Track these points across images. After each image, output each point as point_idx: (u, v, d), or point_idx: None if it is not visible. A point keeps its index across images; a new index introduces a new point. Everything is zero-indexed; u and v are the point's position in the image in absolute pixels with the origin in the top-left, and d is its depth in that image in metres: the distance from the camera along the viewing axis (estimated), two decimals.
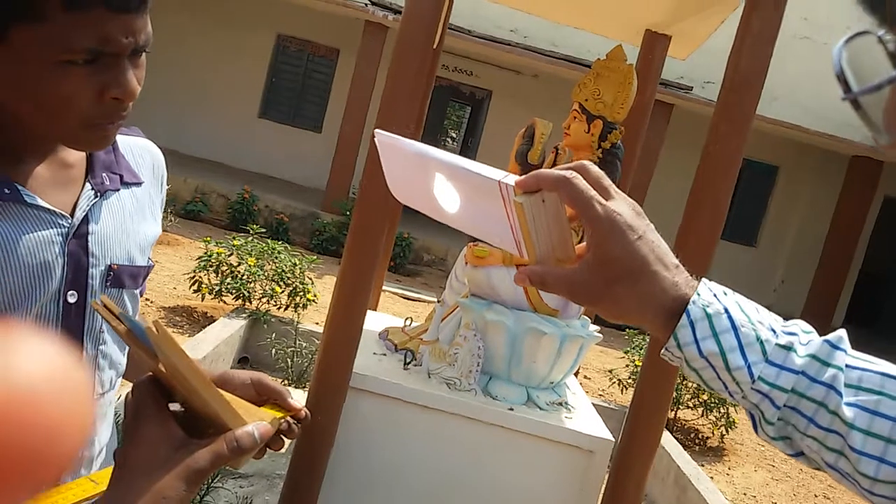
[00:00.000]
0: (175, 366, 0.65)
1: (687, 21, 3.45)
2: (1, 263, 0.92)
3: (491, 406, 2.94)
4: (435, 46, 2.82)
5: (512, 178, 0.67)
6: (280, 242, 6.06)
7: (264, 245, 5.80)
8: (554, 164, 3.01)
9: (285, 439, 0.83)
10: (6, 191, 0.92)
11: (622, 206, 0.67)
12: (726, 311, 0.67)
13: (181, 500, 0.63)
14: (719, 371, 0.66)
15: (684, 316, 0.66)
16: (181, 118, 11.93)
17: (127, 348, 1.13)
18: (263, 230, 6.47)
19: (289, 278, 5.60)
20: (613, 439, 3.01)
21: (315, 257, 6.31)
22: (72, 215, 0.99)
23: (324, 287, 6.82)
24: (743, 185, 12.62)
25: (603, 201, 0.66)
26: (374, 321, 3.71)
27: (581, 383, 3.95)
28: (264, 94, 12.94)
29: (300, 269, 5.72)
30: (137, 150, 1.14)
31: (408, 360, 3.17)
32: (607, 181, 0.69)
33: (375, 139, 0.80)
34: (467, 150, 15.66)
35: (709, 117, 2.84)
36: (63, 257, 0.97)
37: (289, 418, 0.83)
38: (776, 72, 3.01)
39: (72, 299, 0.99)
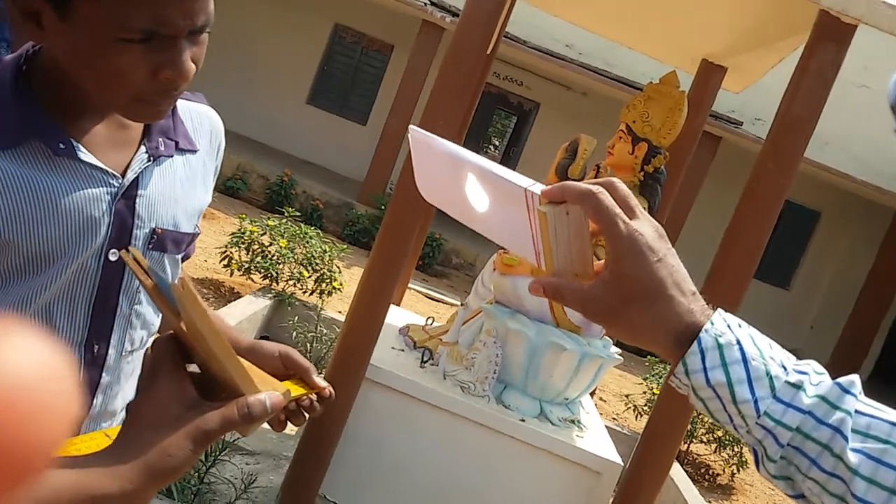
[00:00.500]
0: (196, 325, 0.65)
1: (745, 55, 3.42)
2: (46, 214, 0.94)
3: (503, 415, 2.94)
4: (489, 52, 2.83)
5: (538, 187, 0.67)
6: (313, 228, 6.10)
7: (297, 229, 5.85)
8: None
9: (307, 415, 0.83)
10: (61, 145, 0.94)
11: (646, 226, 0.67)
12: (738, 342, 0.66)
13: (186, 459, 0.64)
14: (725, 403, 0.66)
15: (695, 343, 0.66)
16: (231, 95, 12.06)
17: None
18: (298, 214, 6.52)
19: (317, 264, 5.64)
20: (622, 463, 2.99)
21: (345, 246, 6.35)
22: (123, 176, 1.01)
23: (350, 277, 6.86)
24: (782, 226, 12.45)
25: (627, 220, 0.66)
26: (396, 316, 3.72)
27: (596, 404, 3.93)
28: (315, 81, 13.04)
29: (329, 256, 5.75)
30: (197, 117, 1.15)
31: (425, 359, 3.18)
32: (633, 201, 0.68)
33: (409, 135, 0.80)
34: (509, 159, 15.65)
35: (756, 154, 2.82)
36: (109, 216, 0.99)
37: (312, 396, 0.84)
38: (829, 117, 2.98)
39: (112, 258, 1.01)
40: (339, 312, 5.73)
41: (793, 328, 13.36)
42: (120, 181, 1.00)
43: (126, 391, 1.14)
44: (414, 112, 10.42)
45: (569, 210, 0.67)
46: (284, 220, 5.99)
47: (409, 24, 11.31)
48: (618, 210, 0.66)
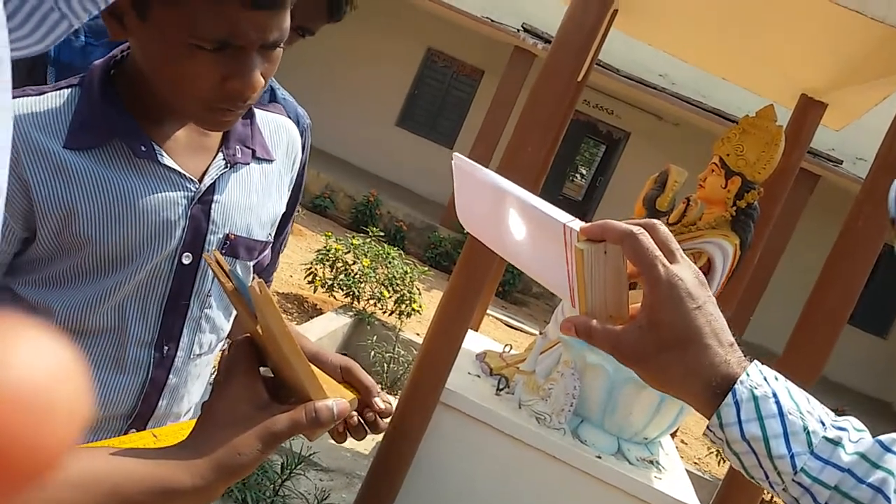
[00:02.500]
0: (271, 329, 0.67)
1: (847, 91, 3.30)
2: (125, 215, 0.98)
3: (578, 450, 2.87)
4: (580, 79, 2.81)
5: (578, 224, 0.65)
6: (395, 249, 6.17)
7: (380, 249, 5.92)
8: (683, 216, 2.93)
9: (368, 431, 0.83)
10: (142, 148, 0.98)
11: (686, 271, 0.65)
12: (774, 395, 0.63)
13: (255, 458, 0.65)
14: (761, 458, 0.63)
15: (730, 395, 0.63)
16: (323, 114, 12.35)
17: (232, 315, 1.17)
18: (382, 234, 6.60)
19: (398, 285, 5.69)
20: None
21: (427, 269, 6.38)
22: (200, 181, 1.03)
23: (430, 300, 6.89)
24: (881, 271, 11.86)
25: (667, 263, 0.64)
26: (473, 341, 3.70)
27: (676, 446, 3.81)
28: (405, 104, 13.25)
29: (410, 277, 5.80)
30: (275, 128, 1.17)
31: (500, 387, 3.15)
32: (674, 244, 0.66)
33: (453, 162, 0.79)
34: (595, 188, 15.50)
35: (855, 195, 2.70)
36: (185, 220, 1.02)
37: (369, 414, 0.84)
38: None
39: (186, 261, 1.04)
40: (417, 335, 5.75)
41: (889, 380, 12.69)
42: (197, 186, 1.03)
43: (192, 394, 1.16)
44: (501, 137, 10.44)
45: (607, 249, 0.65)
46: (368, 240, 6.07)
47: (500, 50, 11.38)
48: (658, 252, 0.64)
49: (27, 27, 0.38)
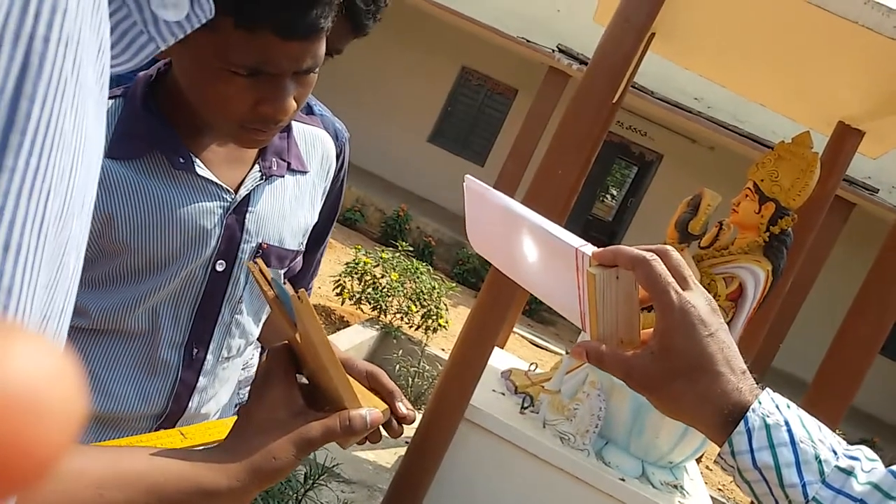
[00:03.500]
0: (311, 338, 0.68)
1: (886, 119, 3.27)
2: (162, 223, 1.01)
3: (602, 472, 2.86)
4: (614, 101, 2.82)
5: (590, 249, 0.65)
6: (424, 264, 6.19)
7: (409, 263, 5.94)
8: (715, 240, 2.92)
9: (384, 433, 0.84)
10: (181, 160, 1.01)
11: (698, 298, 0.65)
12: (787, 423, 0.63)
13: (289, 463, 0.67)
14: (772, 486, 0.62)
15: (742, 423, 0.63)
16: (356, 128, 12.38)
17: (261, 321, 1.19)
18: (411, 249, 6.63)
19: (425, 300, 5.70)
20: None
21: (454, 285, 6.39)
22: (236, 192, 1.06)
23: (456, 316, 6.89)
24: None
25: (679, 290, 0.64)
26: (499, 359, 3.70)
27: (701, 472, 3.77)
28: (438, 121, 13.32)
29: (438, 293, 5.81)
30: (311, 140, 1.20)
31: (525, 405, 3.15)
32: (687, 270, 0.66)
33: (465, 185, 0.79)
34: (626, 210, 15.42)
35: (891, 224, 2.67)
36: (220, 228, 1.05)
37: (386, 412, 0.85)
38: None
39: (220, 268, 1.07)
40: (443, 350, 5.75)
41: None
42: (233, 196, 1.05)
43: (220, 396, 1.19)
44: (532, 156, 10.44)
45: (619, 274, 0.65)
46: (397, 254, 6.10)
47: (534, 70, 11.40)
48: (670, 279, 0.64)
49: (118, 47, 0.40)
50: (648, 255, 0.65)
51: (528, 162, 10.55)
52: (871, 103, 3.22)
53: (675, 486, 2.97)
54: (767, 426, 0.63)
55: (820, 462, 0.62)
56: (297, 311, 0.68)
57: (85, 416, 0.21)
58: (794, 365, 11.71)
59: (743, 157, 10.54)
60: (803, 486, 0.61)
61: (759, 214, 2.85)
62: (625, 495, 2.83)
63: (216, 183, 1.04)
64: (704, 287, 2.98)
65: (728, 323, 2.87)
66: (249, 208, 1.07)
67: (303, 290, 0.67)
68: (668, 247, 0.67)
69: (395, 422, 0.84)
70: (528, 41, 10.62)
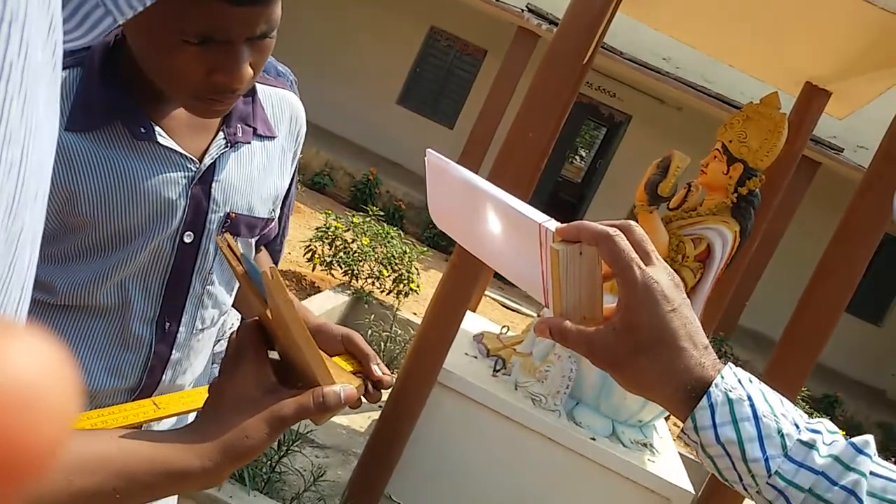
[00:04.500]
0: (282, 314, 0.67)
1: (852, 80, 3.29)
2: (125, 196, 0.98)
3: (573, 432, 2.89)
4: (584, 62, 2.80)
5: (553, 224, 0.65)
6: (394, 228, 6.16)
7: (380, 228, 5.92)
8: (684, 201, 2.93)
9: (364, 400, 0.84)
10: (142, 130, 0.98)
11: (661, 274, 0.64)
12: (749, 398, 0.63)
13: (262, 441, 0.66)
14: (735, 461, 0.63)
15: (704, 398, 0.63)
16: (323, 91, 12.30)
17: (234, 290, 1.18)
18: (381, 213, 6.59)
19: (397, 264, 5.69)
20: (694, 492, 2.91)
21: (425, 249, 6.38)
22: (200, 160, 1.03)
23: (427, 280, 6.90)
24: (879, 260, 11.85)
25: (642, 266, 0.63)
26: (471, 323, 3.72)
27: (671, 430, 3.84)
28: (406, 83, 13.18)
29: (409, 257, 5.80)
30: (278, 102, 1.17)
31: (497, 368, 3.17)
32: (650, 245, 0.66)
33: (426, 159, 0.78)
34: (595, 171, 15.47)
35: (856, 183, 2.70)
36: (185, 199, 1.02)
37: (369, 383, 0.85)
38: None
39: (188, 239, 1.05)
40: (415, 314, 5.76)
41: (881, 367, 12.77)
42: (197, 165, 1.03)
43: (195, 367, 1.18)
44: (503, 117, 10.40)
45: (582, 250, 0.65)
46: (368, 219, 6.07)
47: (503, 30, 11.31)
48: (634, 254, 0.64)
49: (73, 22, 0.38)
50: (612, 230, 0.64)
51: (498, 124, 10.52)
52: (838, 64, 3.24)
53: (645, 445, 3.02)
54: (730, 401, 0.63)
55: (782, 436, 0.62)
56: (267, 287, 0.67)
57: (80, 410, 0.21)
58: (761, 322, 11.94)
59: (711, 117, 10.59)
60: (766, 460, 0.62)
61: (728, 175, 2.87)
62: (596, 454, 2.87)
63: (179, 152, 1.01)
64: (673, 248, 2.99)
65: (696, 283, 2.91)
66: (215, 177, 1.05)
67: (272, 266, 0.65)
68: (632, 222, 0.67)
69: (371, 386, 0.84)
70: (496, 0, 10.50)
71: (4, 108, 0.26)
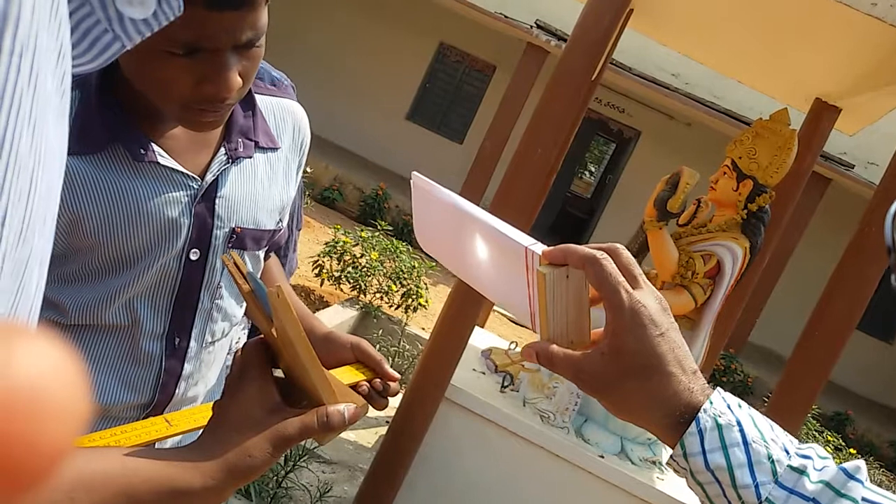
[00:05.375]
0: (287, 333, 0.67)
1: (862, 97, 3.28)
2: (129, 218, 0.98)
3: (582, 449, 2.87)
4: (593, 78, 2.80)
5: (540, 248, 0.64)
6: (403, 243, 6.17)
7: (388, 242, 5.92)
8: (693, 217, 2.92)
9: (371, 407, 0.83)
10: (141, 151, 0.97)
11: (649, 298, 0.64)
12: (739, 423, 0.62)
13: (265, 461, 0.66)
14: (725, 487, 0.62)
15: (693, 424, 0.62)
16: (333, 107, 12.36)
17: (245, 302, 1.18)
18: (390, 228, 6.60)
19: (405, 279, 5.69)
20: None
21: (434, 264, 6.38)
22: (202, 178, 1.03)
23: (436, 295, 6.89)
24: (887, 276, 11.79)
25: (630, 289, 0.63)
26: (479, 338, 3.70)
27: None
28: (416, 98, 13.23)
29: (418, 272, 5.80)
30: (280, 112, 1.16)
31: (505, 384, 3.15)
32: (637, 269, 0.65)
33: (412, 182, 0.77)
34: (604, 186, 15.46)
35: (867, 199, 2.69)
36: (189, 218, 1.02)
37: (375, 383, 0.85)
38: None
39: (194, 257, 1.05)
40: (423, 329, 5.76)
41: (892, 385, 12.66)
42: (199, 183, 1.02)
43: (208, 378, 1.17)
44: (512, 132, 10.42)
45: (569, 274, 0.64)
46: (377, 233, 6.07)
47: (513, 46, 11.35)
48: (621, 278, 0.63)
49: (81, 47, 0.38)
50: (599, 253, 0.64)
51: (507, 139, 10.53)
52: (848, 80, 3.23)
53: (654, 462, 3.00)
54: (719, 426, 0.62)
55: (773, 462, 0.62)
56: (273, 306, 0.66)
57: (87, 414, 0.21)
58: (771, 339, 11.86)
59: (720, 133, 10.58)
60: (756, 486, 0.61)
61: (737, 192, 2.86)
62: (604, 472, 2.85)
63: (180, 171, 1.00)
64: (683, 265, 2.97)
65: (706, 300, 2.89)
66: (218, 193, 1.04)
67: (279, 285, 0.65)
68: (619, 245, 0.67)
69: (378, 393, 0.84)
70: (505, 17, 10.55)
71: (15, 138, 0.27)
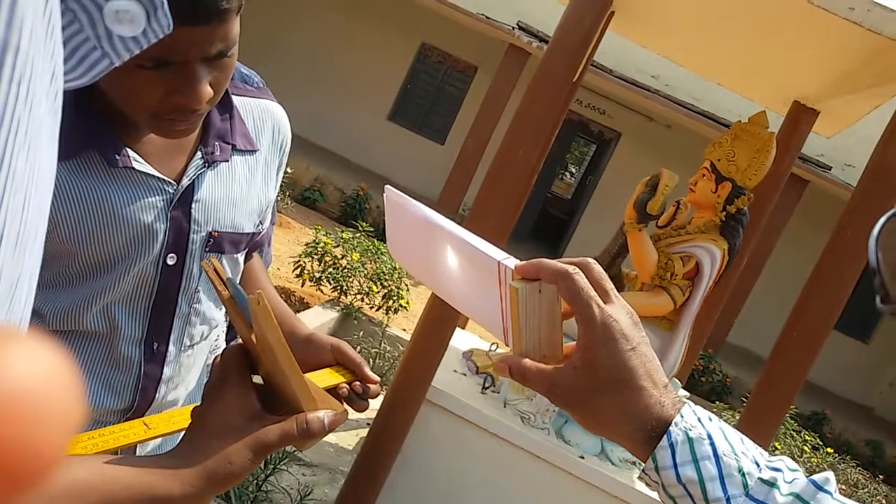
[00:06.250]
0: (267, 340, 0.66)
1: (840, 99, 3.31)
2: (104, 224, 0.97)
3: (562, 450, 2.88)
4: (574, 80, 2.81)
5: (512, 262, 0.65)
6: (384, 244, 6.16)
7: (370, 244, 5.91)
8: (673, 219, 2.94)
9: (350, 409, 0.83)
10: (116, 156, 0.96)
11: (620, 312, 0.64)
12: (709, 437, 0.63)
13: (245, 467, 0.66)
14: (697, 500, 0.62)
15: (665, 437, 0.63)
16: (315, 107, 12.32)
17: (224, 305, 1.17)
18: (371, 229, 6.59)
19: (386, 280, 5.68)
20: None
21: None
22: (178, 182, 1.02)
23: (417, 296, 6.88)
24: (868, 278, 11.92)
25: (601, 304, 0.63)
26: (460, 340, 3.70)
27: None
28: (397, 98, 13.22)
29: (399, 273, 5.79)
30: (259, 113, 1.15)
31: (486, 385, 3.15)
32: (608, 284, 0.66)
33: (385, 195, 0.78)
34: (585, 187, 15.53)
35: (844, 201, 2.71)
36: (165, 223, 1.01)
37: (355, 385, 0.85)
38: None
39: (171, 262, 1.04)
40: (404, 330, 5.75)
41: (869, 385, 12.81)
42: (175, 188, 1.02)
43: (188, 381, 1.17)
44: (493, 133, 10.44)
45: (542, 288, 0.64)
46: (358, 234, 6.06)
47: (494, 47, 11.37)
48: (593, 293, 0.64)
49: (70, 63, 0.38)
50: (571, 268, 0.64)
51: (489, 140, 10.55)
52: (826, 83, 3.27)
53: (634, 463, 3.01)
54: (690, 440, 0.62)
55: (743, 475, 0.62)
56: (253, 312, 0.66)
57: (82, 418, 0.21)
58: (749, 340, 11.96)
59: (700, 135, 10.66)
60: (727, 499, 0.61)
61: (716, 194, 2.88)
62: (584, 472, 2.86)
63: (156, 176, 1.00)
64: (662, 266, 2.98)
65: (685, 301, 2.91)
66: (195, 198, 1.03)
67: (260, 291, 0.65)
68: (591, 260, 0.67)
69: (358, 397, 0.84)
70: (487, 18, 10.57)
71: (13, 159, 0.27)
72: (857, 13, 2.38)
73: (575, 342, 0.65)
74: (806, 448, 6.36)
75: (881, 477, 7.63)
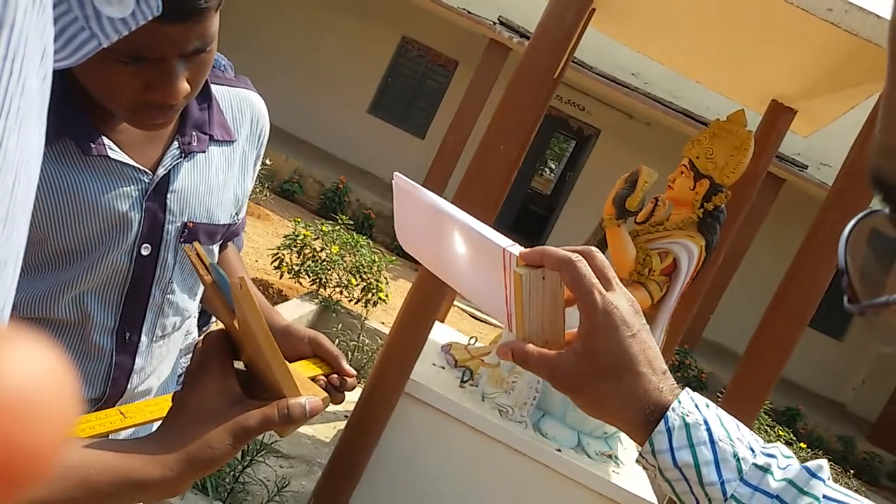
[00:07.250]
0: (250, 325, 0.67)
1: (817, 99, 3.35)
2: (77, 212, 0.97)
3: (539, 443, 2.90)
4: (555, 76, 2.82)
5: (517, 249, 0.66)
6: (364, 237, 6.15)
7: (349, 236, 5.89)
8: (651, 215, 2.96)
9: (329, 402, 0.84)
10: (91, 145, 0.96)
11: (621, 300, 0.66)
12: (706, 422, 0.65)
13: (225, 452, 0.65)
14: (692, 485, 0.64)
15: (662, 422, 0.64)
16: (295, 100, 12.25)
17: (197, 295, 1.16)
18: (350, 222, 6.57)
19: (365, 273, 5.67)
20: (657, 503, 2.93)
21: (394, 258, 6.37)
22: (154, 171, 1.02)
23: (396, 289, 6.88)
24: (839, 274, 12.08)
25: (603, 291, 0.65)
26: (439, 333, 3.71)
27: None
28: (378, 92, 13.17)
29: (378, 266, 5.78)
30: (238, 103, 1.15)
31: (465, 379, 3.17)
32: (611, 272, 0.68)
33: (394, 182, 0.79)
34: (564, 183, 15.58)
35: (820, 200, 2.75)
36: (140, 212, 1.01)
37: (332, 377, 0.85)
38: None
39: (145, 252, 1.03)
40: (383, 323, 5.74)
41: (842, 381, 12.99)
42: (150, 177, 1.01)
43: (160, 371, 1.17)
44: (474, 128, 10.44)
45: (545, 275, 0.66)
46: (337, 227, 6.04)
47: (475, 42, 11.36)
48: (595, 280, 0.65)
49: (58, 43, 0.38)
50: (574, 256, 0.65)
51: (469, 135, 10.55)
52: (804, 83, 3.30)
53: (610, 456, 3.04)
54: (687, 425, 0.64)
55: (738, 460, 0.63)
56: (236, 297, 0.66)
57: (77, 414, 0.21)
58: (724, 335, 12.08)
59: (678, 132, 10.74)
60: (722, 483, 0.63)
61: (694, 191, 2.91)
62: (561, 465, 2.88)
63: (131, 165, 0.99)
64: (640, 262, 3.00)
65: (662, 296, 2.93)
66: (170, 188, 1.03)
67: (242, 276, 0.65)
68: (593, 248, 0.68)
69: (335, 390, 0.84)
70: (469, 12, 10.56)
71: (5, 138, 0.27)
72: (834, 14, 2.41)
73: (577, 328, 0.67)
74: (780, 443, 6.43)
75: (852, 472, 7.75)
